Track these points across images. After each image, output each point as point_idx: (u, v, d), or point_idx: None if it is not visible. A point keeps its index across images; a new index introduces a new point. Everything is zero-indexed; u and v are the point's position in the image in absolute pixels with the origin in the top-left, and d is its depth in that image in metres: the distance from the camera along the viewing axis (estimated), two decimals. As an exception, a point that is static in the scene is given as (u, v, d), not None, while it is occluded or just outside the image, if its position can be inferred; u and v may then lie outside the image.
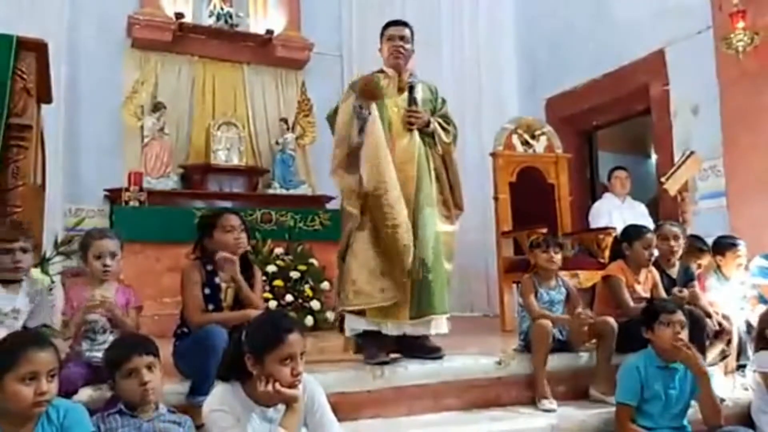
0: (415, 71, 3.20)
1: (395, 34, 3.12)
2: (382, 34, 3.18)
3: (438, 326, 2.93)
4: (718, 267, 3.62)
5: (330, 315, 4.65)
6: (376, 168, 2.85)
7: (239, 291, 2.56)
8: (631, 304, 3.07)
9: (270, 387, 1.83)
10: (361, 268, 2.83)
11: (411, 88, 3.06)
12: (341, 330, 2.98)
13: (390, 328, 2.85)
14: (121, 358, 1.94)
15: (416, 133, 3.04)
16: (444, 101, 3.28)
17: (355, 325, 2.88)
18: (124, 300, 2.45)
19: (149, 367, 1.94)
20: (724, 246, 3.61)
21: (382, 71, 3.18)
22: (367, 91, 2.92)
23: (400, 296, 2.81)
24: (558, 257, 3.09)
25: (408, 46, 3.13)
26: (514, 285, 4.68)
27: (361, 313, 2.83)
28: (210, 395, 1.94)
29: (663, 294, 3.16)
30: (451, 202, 3.11)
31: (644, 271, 3.23)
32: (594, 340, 3.03)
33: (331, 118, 3.14)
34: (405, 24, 3.18)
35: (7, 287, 2.27)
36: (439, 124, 3.13)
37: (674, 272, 3.39)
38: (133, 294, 2.48)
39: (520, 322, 3.21)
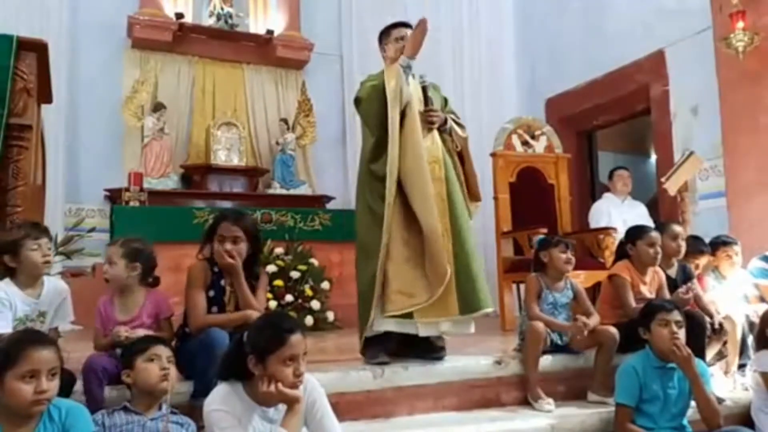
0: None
1: (407, 35, 3.06)
2: (386, 34, 3.15)
3: (472, 325, 2.95)
4: (716, 266, 3.64)
5: (330, 315, 4.65)
6: (413, 149, 2.83)
7: (238, 298, 2.51)
8: (633, 305, 3.04)
9: (272, 387, 1.84)
10: (401, 271, 2.78)
11: (425, 89, 3.03)
12: (366, 350, 2.88)
13: (422, 329, 2.82)
14: (146, 345, 2.08)
15: (436, 134, 3.03)
16: (446, 99, 3.29)
17: (381, 326, 2.82)
18: (153, 311, 2.43)
19: (169, 360, 2.07)
20: (715, 245, 3.64)
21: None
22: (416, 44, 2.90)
23: (443, 294, 2.78)
24: (573, 258, 3.07)
25: None
26: (514, 285, 4.69)
27: (406, 315, 2.78)
28: (211, 394, 1.94)
29: (667, 295, 3.14)
30: (468, 197, 3.10)
31: (650, 272, 3.21)
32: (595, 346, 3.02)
33: (366, 96, 2.98)
34: (412, 26, 3.14)
35: (26, 291, 2.27)
36: (453, 120, 3.13)
37: (673, 272, 3.39)
38: (164, 304, 2.46)
39: (521, 321, 3.20)
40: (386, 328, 2.83)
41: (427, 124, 2.99)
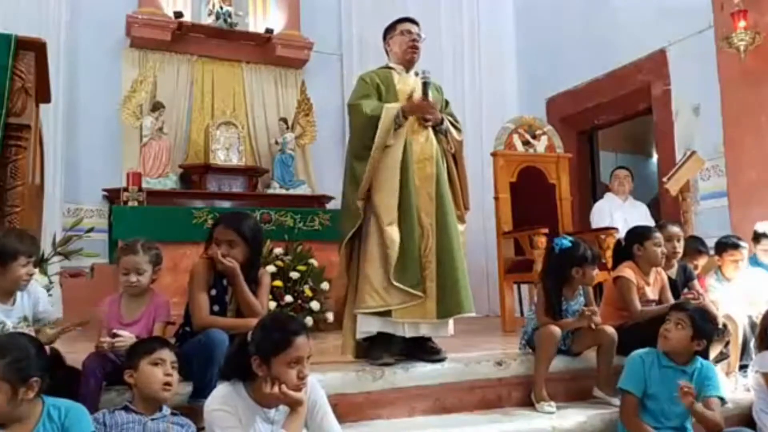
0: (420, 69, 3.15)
1: (412, 29, 3.07)
2: (391, 29, 3.13)
3: (451, 327, 2.92)
4: (719, 267, 3.61)
5: (330, 316, 4.63)
6: (391, 191, 2.84)
7: (238, 299, 2.50)
8: (639, 307, 3.04)
9: (276, 389, 1.83)
10: (378, 270, 2.76)
11: (425, 84, 2.97)
12: (369, 351, 2.87)
13: (407, 330, 2.80)
14: (153, 347, 2.07)
15: (431, 132, 3.01)
16: (447, 102, 3.26)
17: (367, 327, 2.81)
18: (152, 315, 2.43)
19: (173, 365, 2.06)
20: (721, 247, 3.62)
21: (388, 67, 3.13)
22: (417, 110, 2.93)
23: (424, 297, 2.78)
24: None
25: (420, 44, 3.09)
26: (515, 285, 4.67)
27: (384, 313, 2.76)
28: (212, 394, 1.94)
29: (670, 296, 3.14)
30: (461, 201, 3.08)
31: (653, 272, 3.21)
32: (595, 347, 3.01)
33: (357, 107, 2.98)
34: (417, 23, 3.14)
35: (4, 301, 2.19)
36: (450, 122, 3.11)
37: (673, 273, 3.38)
38: (163, 309, 2.45)
39: (527, 323, 3.17)
40: (372, 329, 2.80)
41: (423, 120, 2.97)
